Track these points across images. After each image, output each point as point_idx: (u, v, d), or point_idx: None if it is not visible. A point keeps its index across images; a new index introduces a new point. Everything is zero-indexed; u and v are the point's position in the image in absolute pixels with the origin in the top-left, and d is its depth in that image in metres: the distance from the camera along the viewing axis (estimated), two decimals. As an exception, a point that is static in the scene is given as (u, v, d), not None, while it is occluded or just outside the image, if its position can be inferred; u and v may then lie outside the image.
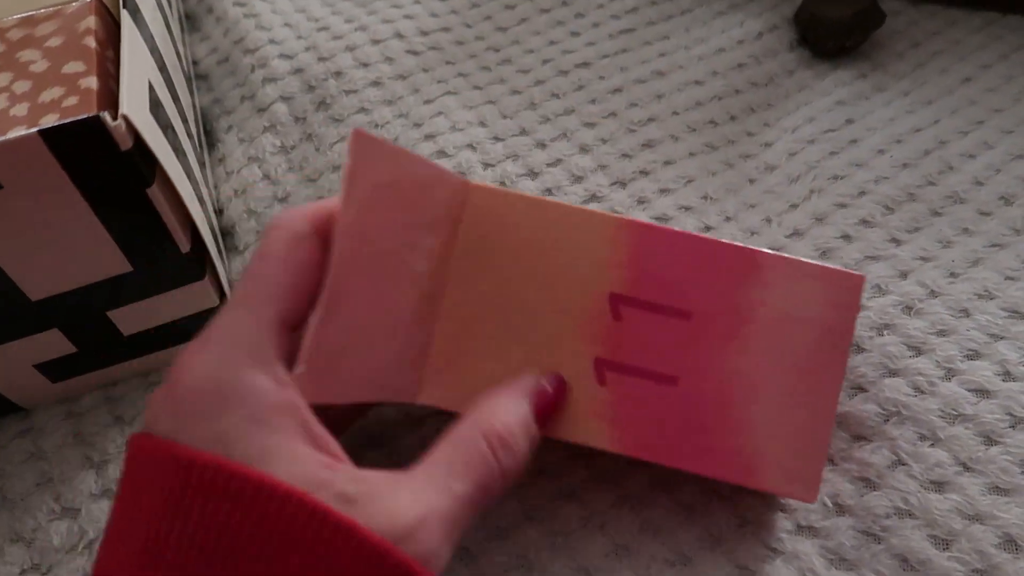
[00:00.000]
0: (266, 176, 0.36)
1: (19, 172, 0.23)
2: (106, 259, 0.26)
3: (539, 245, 0.25)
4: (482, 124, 0.37)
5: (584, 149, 0.36)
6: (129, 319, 0.29)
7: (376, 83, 0.39)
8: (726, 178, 0.35)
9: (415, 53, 0.41)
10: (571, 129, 0.37)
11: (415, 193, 0.24)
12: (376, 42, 0.41)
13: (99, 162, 0.23)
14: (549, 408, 0.24)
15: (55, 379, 0.30)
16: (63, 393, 0.31)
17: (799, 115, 0.38)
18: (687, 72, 0.39)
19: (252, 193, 0.36)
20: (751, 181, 0.35)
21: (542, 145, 0.36)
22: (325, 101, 0.38)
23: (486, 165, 0.35)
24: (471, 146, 0.36)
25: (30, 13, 0.26)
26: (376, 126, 0.37)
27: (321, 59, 0.40)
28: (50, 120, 0.23)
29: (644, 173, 0.35)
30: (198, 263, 0.29)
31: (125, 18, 0.25)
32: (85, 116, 0.22)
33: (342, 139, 0.37)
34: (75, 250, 0.26)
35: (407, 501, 0.19)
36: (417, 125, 0.37)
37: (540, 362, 0.24)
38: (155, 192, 0.25)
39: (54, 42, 0.26)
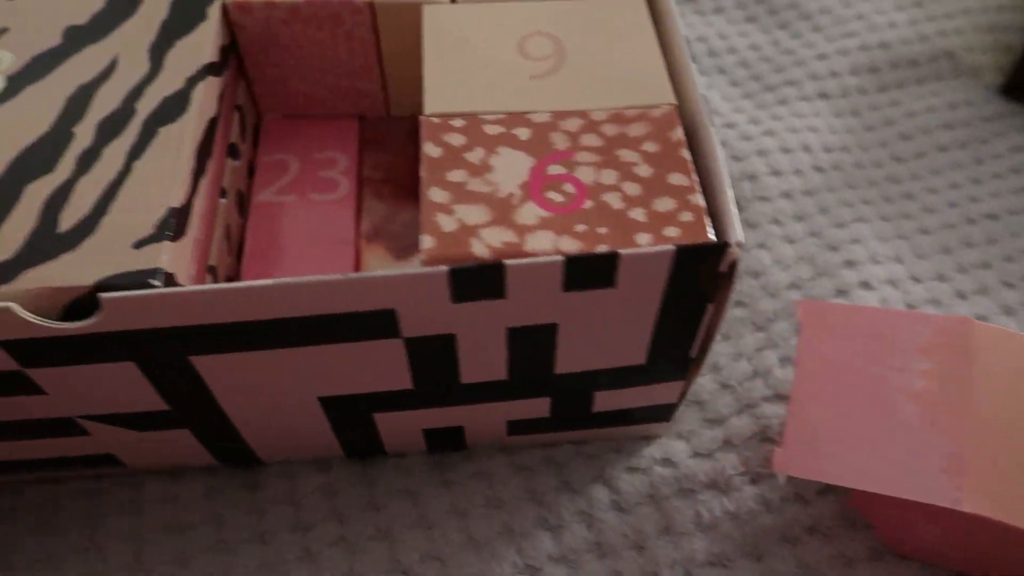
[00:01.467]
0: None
1: (636, 276, 0.24)
2: (633, 352, 0.28)
3: None
4: (898, 260, 0.38)
5: (1008, 311, 0.36)
6: (607, 400, 0.30)
7: (787, 195, 0.40)
8: None
9: (820, 170, 0.41)
10: (990, 286, 0.37)
11: (883, 330, 0.29)
12: (786, 151, 0.42)
13: (695, 277, 0.25)
14: None
15: (510, 433, 0.32)
16: (506, 444, 0.32)
17: None
18: (1106, 250, 0.39)
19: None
20: None
21: (963, 296, 0.37)
22: (739, 203, 0.40)
23: (909, 306, 0.36)
24: (892, 282, 0.37)
25: (618, 109, 0.28)
26: (790, 241, 0.38)
27: (734, 158, 0.41)
28: (672, 233, 0.25)
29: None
30: (690, 364, 0.30)
31: (711, 132, 0.27)
32: (715, 241, 0.24)
33: (759, 246, 0.38)
34: (618, 341, 0.27)
35: None
36: (833, 248, 0.38)
37: None
38: (710, 307, 0.26)
39: (649, 147, 0.27)
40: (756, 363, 0.34)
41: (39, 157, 0.25)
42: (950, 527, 0.27)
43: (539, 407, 0.30)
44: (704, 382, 0.34)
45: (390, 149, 0.35)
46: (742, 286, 0.37)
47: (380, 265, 0.32)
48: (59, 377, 0.25)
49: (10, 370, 0.24)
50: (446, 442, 0.32)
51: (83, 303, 0.23)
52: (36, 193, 0.25)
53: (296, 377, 0.26)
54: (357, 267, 0.32)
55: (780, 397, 0.33)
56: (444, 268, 0.23)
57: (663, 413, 0.32)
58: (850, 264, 0.37)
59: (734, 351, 0.35)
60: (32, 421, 0.27)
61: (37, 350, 0.23)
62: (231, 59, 0.32)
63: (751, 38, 0.48)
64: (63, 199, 0.25)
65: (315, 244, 0.32)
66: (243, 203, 0.32)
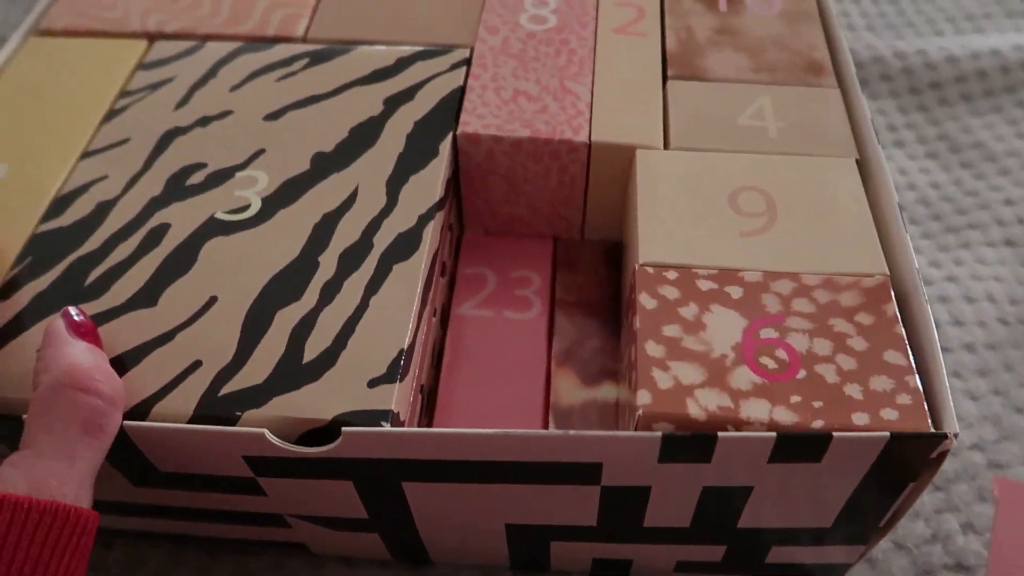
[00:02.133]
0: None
1: (844, 456, 0.24)
2: (820, 516, 0.28)
3: None
4: (1092, 431, 0.36)
5: None
6: (782, 553, 0.30)
7: (969, 347, 0.39)
8: None
9: (1005, 323, 0.40)
10: None
11: None
12: (969, 300, 0.41)
13: (903, 461, 0.25)
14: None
15: (676, 570, 0.32)
16: (669, 578, 0.33)
17: None
18: None
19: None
20: None
21: None
22: (919, 350, 0.39)
23: (1104, 484, 0.35)
24: (1085, 456, 0.35)
25: (829, 275, 0.29)
26: (972, 397, 0.38)
27: (914, 303, 0.41)
28: (889, 416, 0.25)
29: None
30: (875, 533, 0.29)
31: (927, 309, 0.27)
32: (933, 432, 0.24)
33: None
34: (808, 507, 0.27)
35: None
36: (1019, 411, 0.37)
37: None
38: (910, 486, 0.26)
39: (863, 319, 0.27)
40: (935, 526, 0.33)
41: (289, 283, 0.28)
42: None
43: (713, 553, 0.30)
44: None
45: (582, 272, 0.37)
46: (922, 441, 0.36)
47: (569, 390, 0.33)
48: (282, 486, 0.27)
49: (244, 476, 0.26)
50: (611, 571, 0.33)
51: (319, 430, 0.25)
52: (286, 320, 0.27)
53: (491, 507, 0.28)
54: (547, 389, 0.33)
55: (962, 568, 0.32)
56: (658, 434, 0.24)
57: (836, 571, 0.31)
58: (1042, 432, 0.36)
59: (911, 510, 0.34)
60: (247, 513, 0.29)
61: (272, 464, 0.25)
62: (453, 187, 0.34)
63: (932, 175, 0.47)
64: (308, 328, 0.27)
65: (508, 361, 0.33)
66: (445, 316, 0.34)
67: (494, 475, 0.26)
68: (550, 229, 0.37)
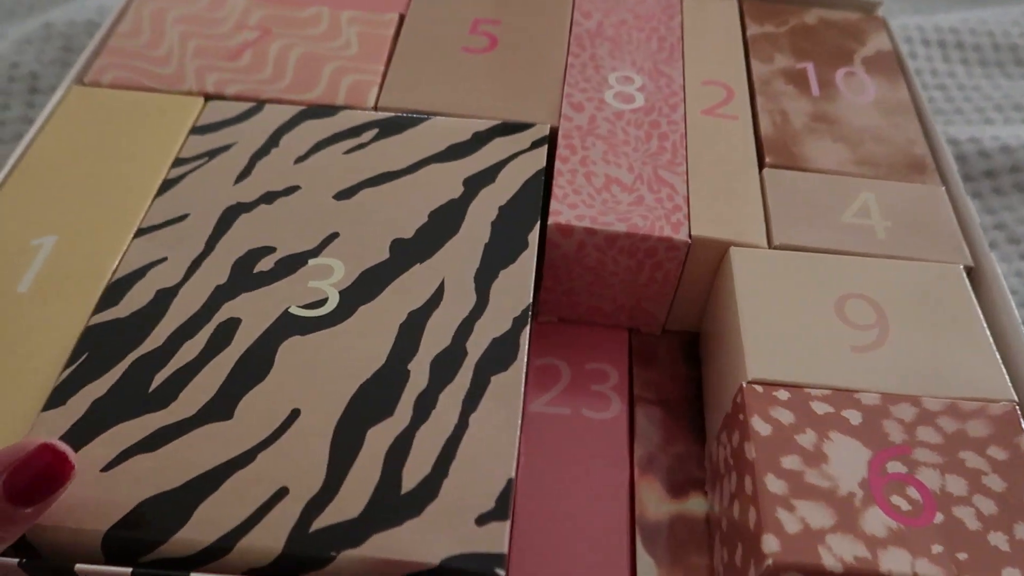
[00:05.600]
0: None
1: None
2: None
3: None
4: None
5: None
6: None
7: None
8: None
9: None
10: None
11: None
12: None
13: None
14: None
15: None
16: None
17: None
18: None
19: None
20: None
21: None
22: None
23: None
24: None
25: (953, 399, 0.27)
26: None
27: None
28: None
29: None
30: None
31: None
32: None
33: None
34: None
35: None
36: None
37: None
38: None
39: (996, 453, 0.26)
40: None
41: (379, 396, 0.26)
42: None
43: None
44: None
45: (660, 367, 0.34)
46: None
47: (654, 501, 0.31)
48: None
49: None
50: None
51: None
52: (378, 439, 0.25)
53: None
54: (631, 499, 0.31)
55: None
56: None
57: None
58: None
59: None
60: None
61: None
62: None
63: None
64: (404, 451, 0.24)
65: (588, 466, 0.31)
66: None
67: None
68: (629, 321, 0.35)
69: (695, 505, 0.31)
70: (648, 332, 0.35)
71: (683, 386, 0.34)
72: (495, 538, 0.23)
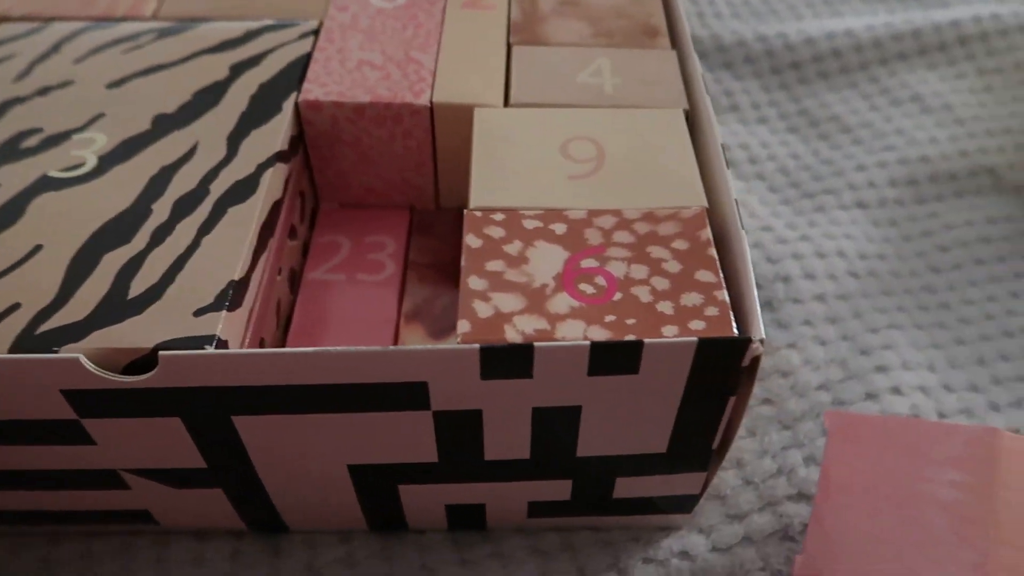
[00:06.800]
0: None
1: (659, 365, 0.25)
2: (654, 440, 0.29)
3: None
4: (931, 369, 0.38)
5: (1042, 426, 0.36)
6: (628, 487, 0.31)
7: (820, 298, 0.41)
8: None
9: (855, 276, 0.42)
10: (1025, 400, 0.37)
11: (912, 441, 0.30)
12: (820, 256, 0.43)
13: (717, 370, 0.26)
14: None
15: (531, 515, 0.33)
16: (525, 525, 0.33)
17: None
18: None
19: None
20: None
21: (996, 408, 0.37)
22: (771, 303, 0.41)
23: (940, 415, 0.36)
24: (923, 390, 0.37)
25: (650, 209, 0.30)
26: (821, 343, 0.39)
27: (769, 260, 0.43)
28: (697, 326, 0.26)
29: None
30: (712, 456, 0.30)
31: (742, 234, 0.28)
32: (738, 336, 0.25)
33: (789, 346, 0.39)
34: (640, 428, 0.28)
35: None
36: (865, 353, 0.39)
37: None
38: (731, 400, 0.27)
39: (679, 245, 0.29)
40: (780, 461, 0.35)
41: (119, 229, 0.28)
42: None
43: (560, 490, 0.31)
44: (727, 477, 0.34)
45: (437, 237, 0.37)
46: (771, 385, 0.38)
47: (417, 343, 0.33)
48: (110, 429, 0.27)
49: (67, 419, 0.26)
50: (467, 520, 0.33)
51: (142, 363, 0.25)
52: (113, 261, 0.27)
53: (327, 443, 0.28)
54: (395, 343, 0.33)
55: (803, 496, 0.33)
56: (476, 346, 0.24)
57: (684, 504, 0.32)
58: (881, 369, 0.38)
59: (759, 448, 0.35)
60: (79, 472, 0.29)
61: (94, 401, 0.25)
62: (299, 149, 0.35)
63: (792, 147, 0.50)
64: (136, 268, 0.27)
65: (357, 321, 0.34)
66: (295, 280, 0.35)
67: (322, 403, 0.26)
68: (405, 199, 0.38)
69: (453, 343, 0.33)
70: (424, 208, 0.38)
71: (456, 250, 0.37)
72: (209, 324, 0.26)
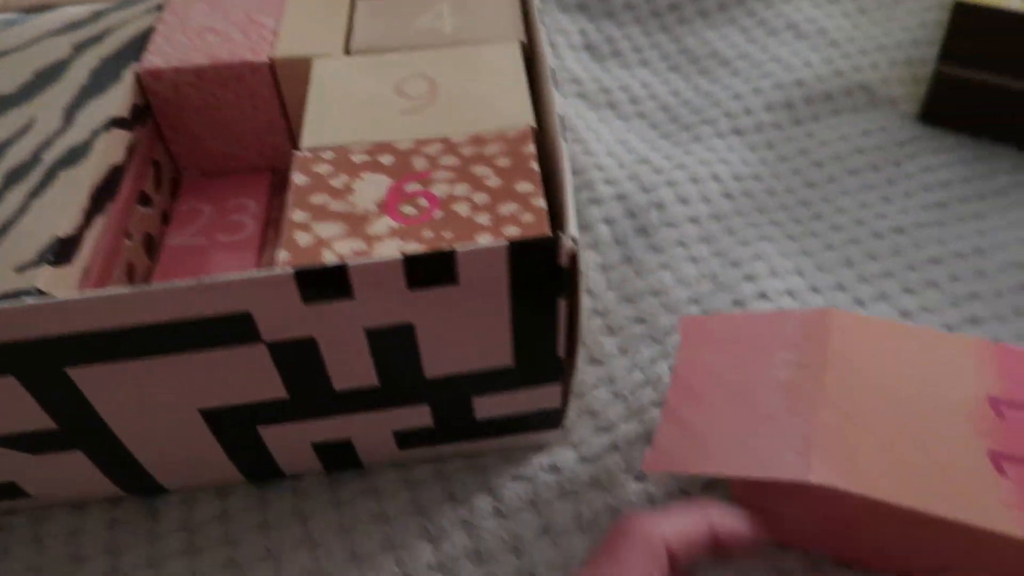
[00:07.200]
0: (586, 290, 0.39)
1: (477, 272, 0.26)
2: (499, 353, 0.29)
3: (909, 355, 0.29)
4: (799, 274, 0.39)
5: (905, 314, 0.37)
6: (487, 406, 0.32)
7: (694, 220, 0.42)
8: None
9: (729, 197, 0.43)
10: (890, 293, 0.38)
11: (754, 331, 0.31)
12: (694, 181, 0.44)
13: (537, 272, 0.26)
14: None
15: (401, 446, 0.33)
16: (399, 459, 0.34)
17: None
18: (1009, 253, 0.39)
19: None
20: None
21: (861, 303, 0.37)
22: (646, 229, 0.41)
23: (806, 315, 0.37)
24: (790, 293, 0.38)
25: (477, 133, 0.31)
26: (694, 261, 0.40)
27: (643, 190, 0.43)
28: (512, 232, 0.27)
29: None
30: (561, 366, 0.31)
31: (562, 144, 0.29)
32: (547, 235, 0.26)
33: (663, 267, 0.40)
34: (479, 341, 0.29)
35: None
36: (735, 265, 0.39)
37: (930, 450, 0.27)
38: (561, 302, 0.28)
39: (502, 162, 0.29)
40: (648, 373, 0.35)
41: (-50, 202, 0.29)
42: (808, 505, 0.28)
43: (421, 416, 0.31)
44: (599, 394, 0.35)
45: (303, 194, 0.38)
46: (644, 305, 0.38)
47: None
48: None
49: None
50: (340, 459, 0.33)
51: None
52: (-59, 231, 0.28)
53: (171, 388, 0.28)
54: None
55: (671, 404, 0.34)
56: (290, 269, 0.25)
57: (551, 419, 0.33)
58: (750, 278, 0.38)
59: (630, 364, 0.36)
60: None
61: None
62: (148, 118, 0.35)
63: (672, 85, 0.50)
64: (-38, 236, 0.28)
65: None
66: (152, 246, 0.35)
67: (153, 344, 0.26)
68: (266, 162, 0.39)
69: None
70: (286, 168, 0.39)
71: (321, 205, 0.38)
72: (30, 278, 0.26)
